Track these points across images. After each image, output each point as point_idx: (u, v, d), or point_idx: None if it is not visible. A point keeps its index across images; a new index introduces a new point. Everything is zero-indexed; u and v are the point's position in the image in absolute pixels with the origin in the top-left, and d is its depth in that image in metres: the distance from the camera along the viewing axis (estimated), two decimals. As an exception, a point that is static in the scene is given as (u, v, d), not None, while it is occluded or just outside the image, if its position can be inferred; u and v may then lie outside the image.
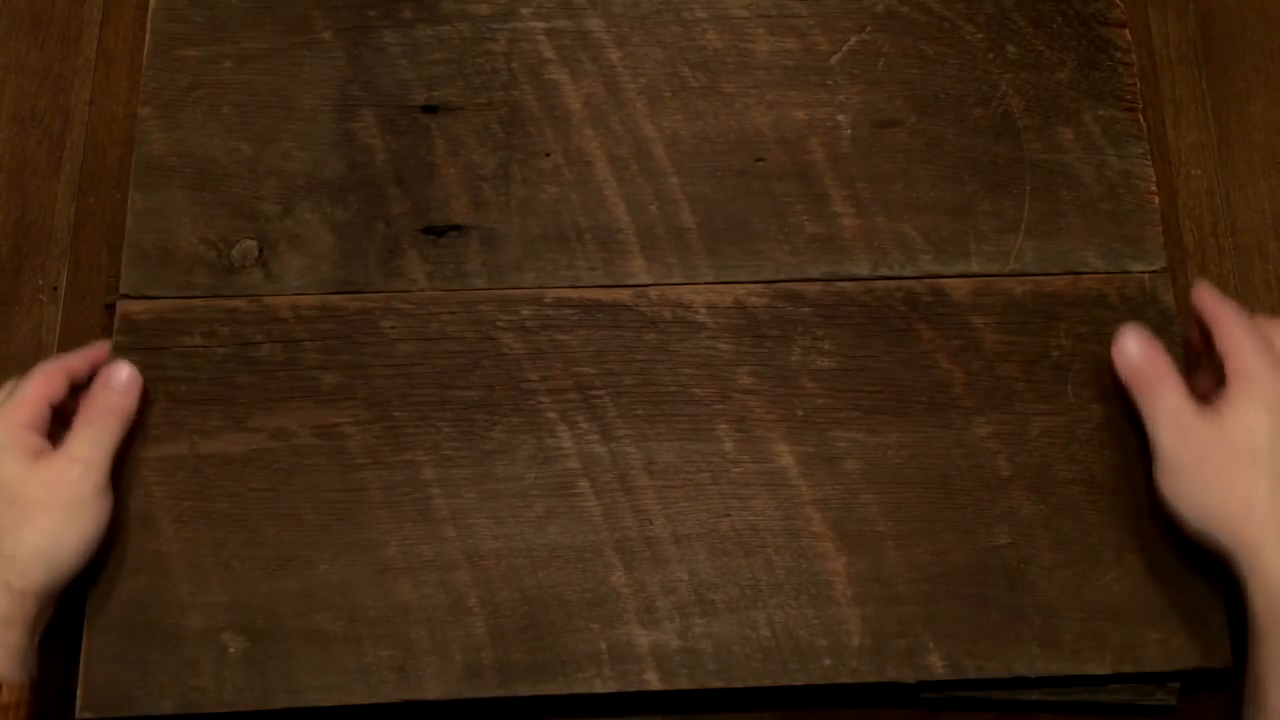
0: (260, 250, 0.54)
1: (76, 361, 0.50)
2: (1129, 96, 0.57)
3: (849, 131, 0.56)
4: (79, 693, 0.47)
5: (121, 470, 0.49)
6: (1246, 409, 0.46)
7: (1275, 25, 0.59)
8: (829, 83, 0.56)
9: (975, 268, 0.54)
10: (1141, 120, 0.56)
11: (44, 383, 0.48)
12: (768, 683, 0.49)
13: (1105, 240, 0.55)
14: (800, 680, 0.49)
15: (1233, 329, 0.48)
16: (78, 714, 0.47)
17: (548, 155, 0.55)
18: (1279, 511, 0.44)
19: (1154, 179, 0.56)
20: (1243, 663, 0.46)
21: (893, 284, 0.54)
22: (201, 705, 0.47)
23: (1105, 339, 0.53)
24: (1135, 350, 0.49)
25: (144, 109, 0.55)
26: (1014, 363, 0.53)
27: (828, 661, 0.49)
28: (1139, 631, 0.49)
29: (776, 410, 0.52)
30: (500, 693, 0.48)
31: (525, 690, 0.48)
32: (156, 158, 0.55)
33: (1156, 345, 0.49)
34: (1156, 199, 0.56)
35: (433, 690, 0.48)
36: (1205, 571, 0.50)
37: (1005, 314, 0.54)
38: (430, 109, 0.56)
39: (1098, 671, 0.49)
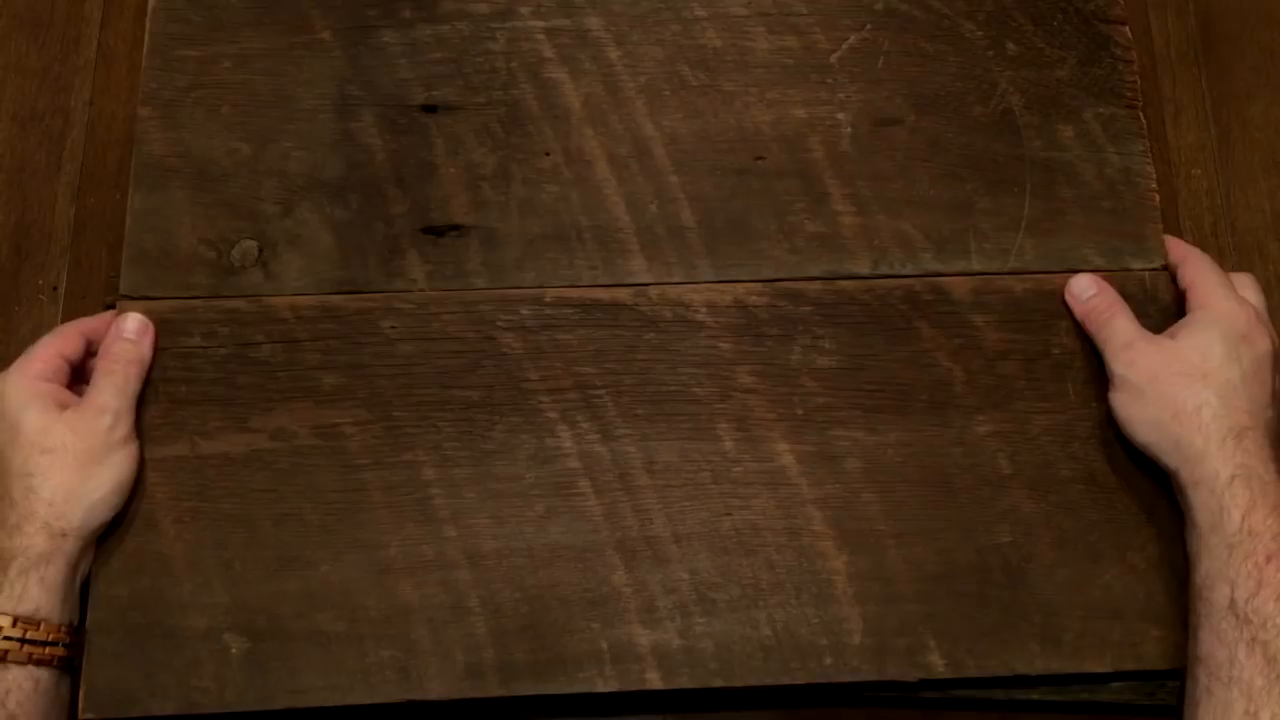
0: (260, 250, 0.53)
1: (90, 323, 0.51)
2: (1129, 94, 0.57)
3: (849, 130, 0.56)
4: (81, 693, 0.47)
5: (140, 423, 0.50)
6: (1201, 334, 0.48)
7: (1275, 25, 0.59)
8: (829, 81, 0.56)
9: (976, 265, 0.54)
10: (1142, 117, 0.56)
11: (56, 338, 0.49)
12: (769, 682, 0.49)
13: (1105, 238, 0.55)
14: (801, 679, 0.49)
15: (1199, 267, 0.51)
16: (80, 715, 0.47)
17: (547, 154, 0.55)
18: (1222, 425, 0.46)
19: (1154, 176, 0.56)
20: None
21: (893, 282, 0.54)
22: (203, 706, 0.47)
23: None
24: (1087, 288, 0.52)
25: (143, 109, 0.55)
26: (1015, 361, 0.53)
27: (829, 660, 0.49)
28: (1140, 629, 0.49)
29: (777, 409, 0.52)
30: (502, 692, 0.48)
31: (527, 690, 0.48)
32: (156, 158, 0.54)
33: (1107, 285, 0.52)
34: (1157, 196, 0.55)
35: (435, 690, 0.48)
36: None
37: (1006, 312, 0.53)
38: (430, 109, 0.56)
39: (1098, 670, 0.49)
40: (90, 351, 0.51)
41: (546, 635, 0.49)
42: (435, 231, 0.54)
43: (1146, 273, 0.54)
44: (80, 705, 0.47)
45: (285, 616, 0.48)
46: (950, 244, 0.55)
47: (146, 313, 0.52)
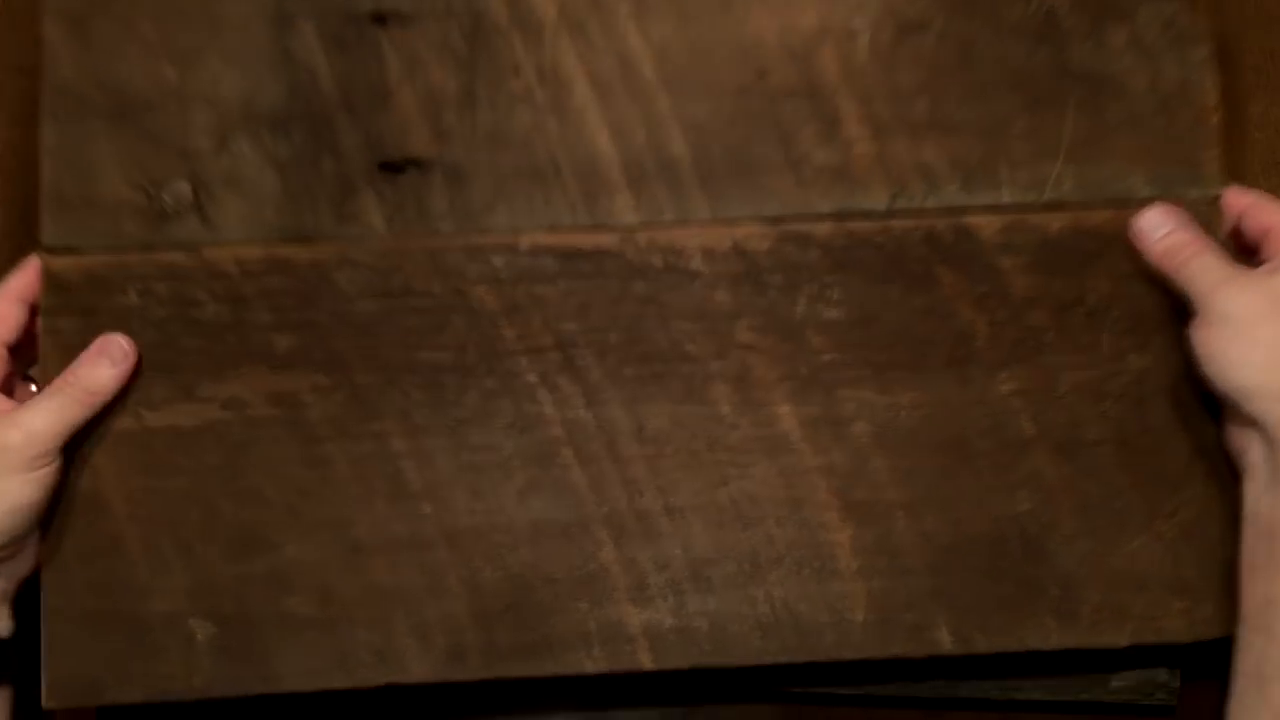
0: (195, 193, 0.57)
1: (17, 283, 0.52)
2: (1193, -14, 0.59)
3: (867, 38, 0.58)
4: (43, 682, 0.51)
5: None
6: None
7: (1275, 25, 0.59)
8: None
9: (1007, 199, 0.58)
10: (1204, 19, 0.60)
11: None
12: (766, 660, 0.55)
13: (1156, 163, 0.58)
14: (801, 658, 0.55)
15: (1276, 208, 0.52)
16: (44, 703, 0.54)
17: (517, 74, 0.58)
18: None
19: (1215, 90, 0.59)
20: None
21: (911, 222, 0.58)
22: (172, 693, 0.52)
23: (1148, 281, 0.55)
24: (1160, 224, 0.52)
25: (49, 27, 0.57)
26: (1044, 309, 0.57)
27: (830, 638, 0.55)
28: (1163, 601, 0.55)
29: (779, 368, 0.57)
30: (485, 674, 0.54)
31: (512, 671, 0.54)
32: (69, 85, 0.57)
33: (1182, 215, 0.52)
34: (1217, 114, 0.59)
35: (416, 672, 0.53)
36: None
37: (1037, 253, 0.57)
38: (379, 19, 0.58)
39: (1115, 643, 0.55)
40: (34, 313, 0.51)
41: (531, 616, 0.53)
42: (392, 168, 0.58)
43: (1202, 203, 0.59)
44: (43, 694, 0.53)
45: (252, 600, 0.51)
46: (979, 173, 0.58)
47: (75, 269, 0.56)
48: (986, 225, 0.53)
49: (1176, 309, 0.53)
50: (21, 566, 0.50)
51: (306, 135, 0.52)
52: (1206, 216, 0.53)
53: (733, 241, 0.52)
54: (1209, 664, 0.51)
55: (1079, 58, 0.54)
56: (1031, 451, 0.52)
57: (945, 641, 0.51)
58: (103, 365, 0.51)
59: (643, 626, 0.50)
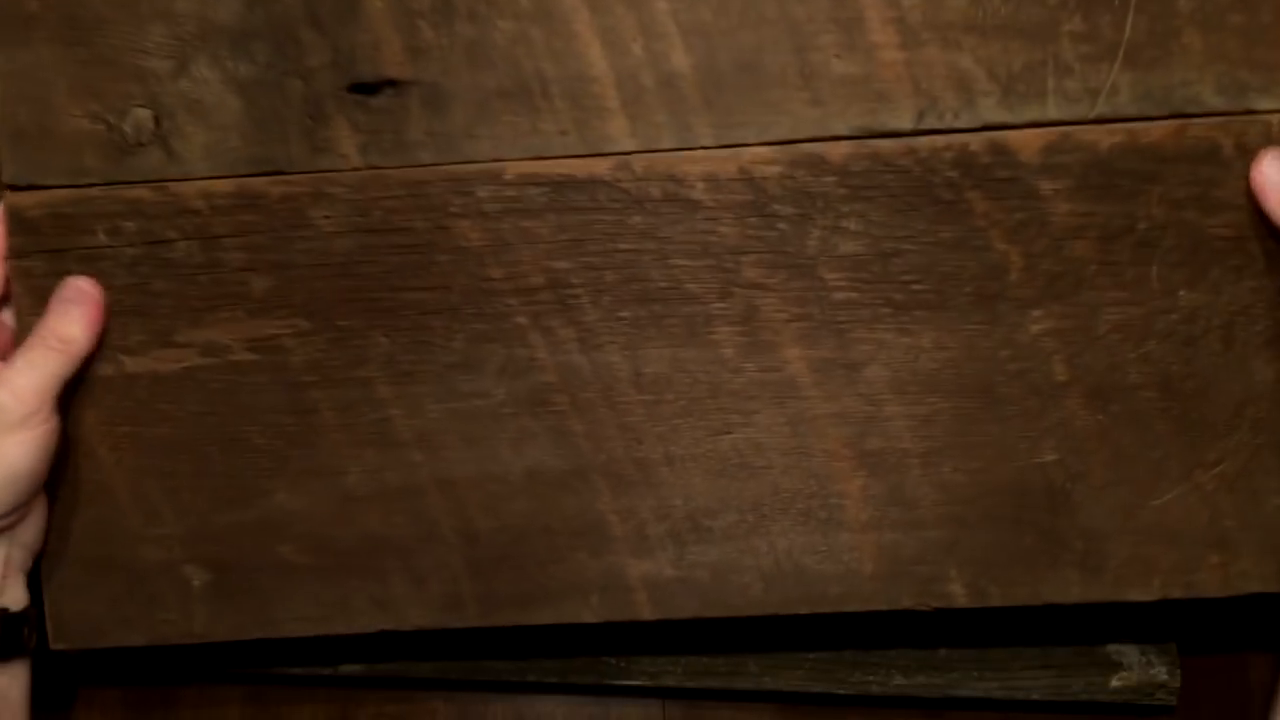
0: (156, 121, 0.50)
1: None
2: None
3: None
4: (49, 625, 0.51)
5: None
6: None
7: None
8: None
9: (1052, 113, 0.48)
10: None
11: None
12: (769, 612, 0.50)
13: (1228, 67, 0.48)
14: (804, 609, 0.50)
15: None
16: (51, 645, 0.52)
17: None
18: None
19: None
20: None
21: (942, 140, 0.49)
22: (172, 637, 0.50)
23: (1208, 206, 0.46)
24: None
25: None
26: (1088, 240, 0.49)
27: (835, 590, 0.50)
28: (1196, 555, 0.49)
29: (789, 308, 0.49)
30: (482, 622, 0.50)
31: (509, 620, 0.50)
32: (13, 3, 0.50)
33: None
34: (1308, 5, 0.48)
35: (413, 619, 0.50)
36: None
37: (1085, 176, 0.48)
38: None
39: (1141, 598, 0.49)
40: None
41: (528, 566, 0.49)
42: (365, 89, 0.49)
43: (1276, 116, 0.48)
44: (50, 636, 0.51)
45: (246, 549, 0.47)
46: (1021, 83, 0.48)
47: (39, 205, 0.49)
48: (1028, 144, 0.44)
49: (1238, 239, 0.46)
50: (30, 534, 0.47)
51: (270, 53, 0.45)
52: (1278, 131, 0.43)
53: (739, 166, 0.44)
54: (1208, 662, 0.48)
55: (1148, -60, 0.43)
56: (1063, 397, 0.45)
57: (958, 595, 0.46)
58: (70, 312, 0.47)
59: (642, 577, 0.46)
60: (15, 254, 0.47)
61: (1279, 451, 0.46)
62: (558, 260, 0.46)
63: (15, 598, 0.47)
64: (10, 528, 0.46)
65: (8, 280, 0.47)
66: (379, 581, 0.47)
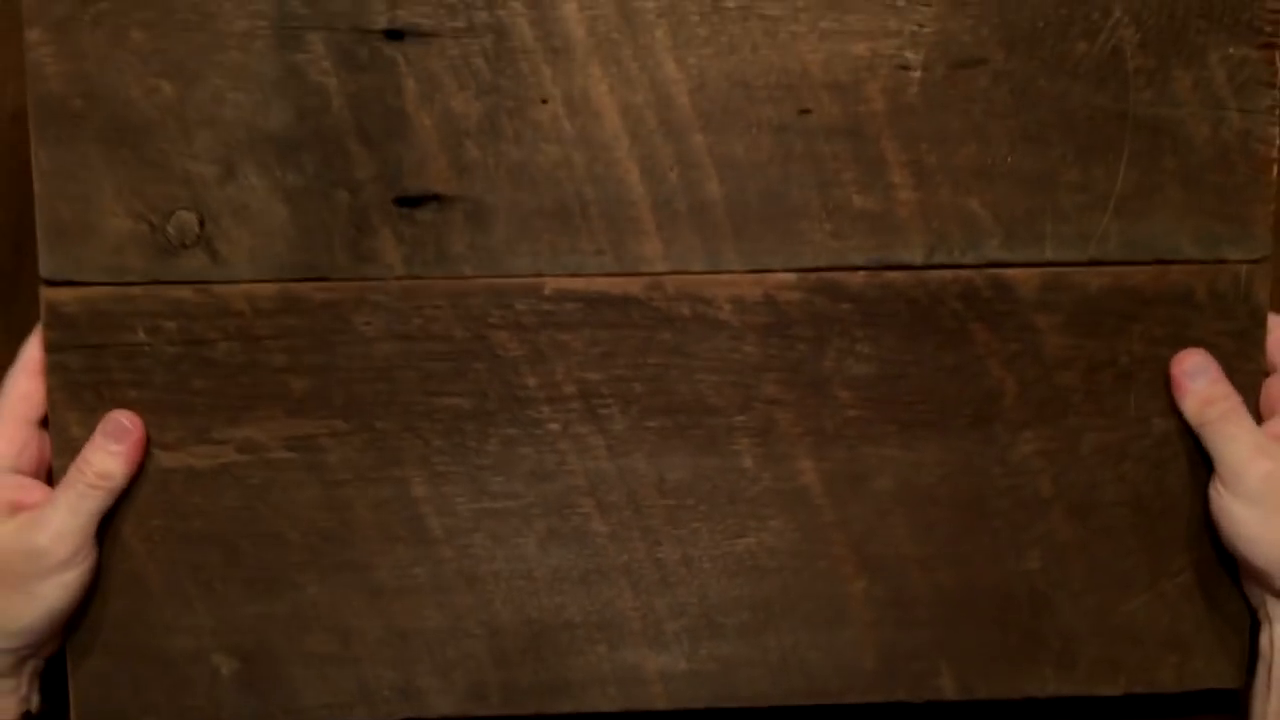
0: (201, 224, 0.43)
1: (35, 354, 0.42)
2: (1269, 28, 0.45)
3: (919, 74, 0.44)
4: (73, 712, 0.45)
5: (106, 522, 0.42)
6: None
7: None
8: (899, 4, 0.44)
9: (1049, 254, 0.45)
10: (1277, 62, 0.45)
11: (15, 402, 0.41)
12: (775, 703, 0.46)
13: (1204, 221, 0.45)
14: (808, 701, 0.45)
15: None
16: (74, 729, 0.45)
17: (544, 102, 0.44)
18: None
19: (1276, 141, 0.45)
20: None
21: (949, 274, 0.45)
22: None
23: (1182, 343, 0.44)
24: (1207, 371, 0.43)
25: (31, 31, 0.42)
26: (1075, 370, 0.46)
27: (836, 683, 0.46)
28: (1157, 655, 0.46)
29: (804, 423, 0.45)
30: (506, 711, 0.45)
31: (531, 708, 0.45)
32: (57, 99, 0.42)
33: (1218, 369, 0.44)
34: (1275, 168, 0.46)
35: (437, 708, 0.46)
36: (1240, 597, 0.47)
37: (1075, 313, 0.45)
38: (395, 34, 0.43)
39: (1110, 693, 0.46)
40: None
41: (550, 657, 0.44)
42: (410, 203, 0.44)
43: (1243, 265, 0.46)
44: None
45: (274, 638, 0.43)
46: (1022, 226, 0.45)
47: (77, 301, 0.43)
48: (1026, 281, 0.41)
49: None
50: (52, 646, 0.43)
51: (318, 164, 0.39)
52: (1245, 280, 0.41)
53: (764, 291, 0.40)
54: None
55: (1140, 102, 0.40)
56: (1048, 511, 0.42)
57: (948, 688, 0.42)
58: (110, 447, 0.41)
59: (658, 670, 0.42)
60: (51, 349, 0.43)
61: (1233, 564, 0.43)
62: (590, 372, 0.43)
63: (35, 703, 0.42)
64: (39, 652, 0.42)
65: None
66: (404, 671, 0.43)
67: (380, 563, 0.44)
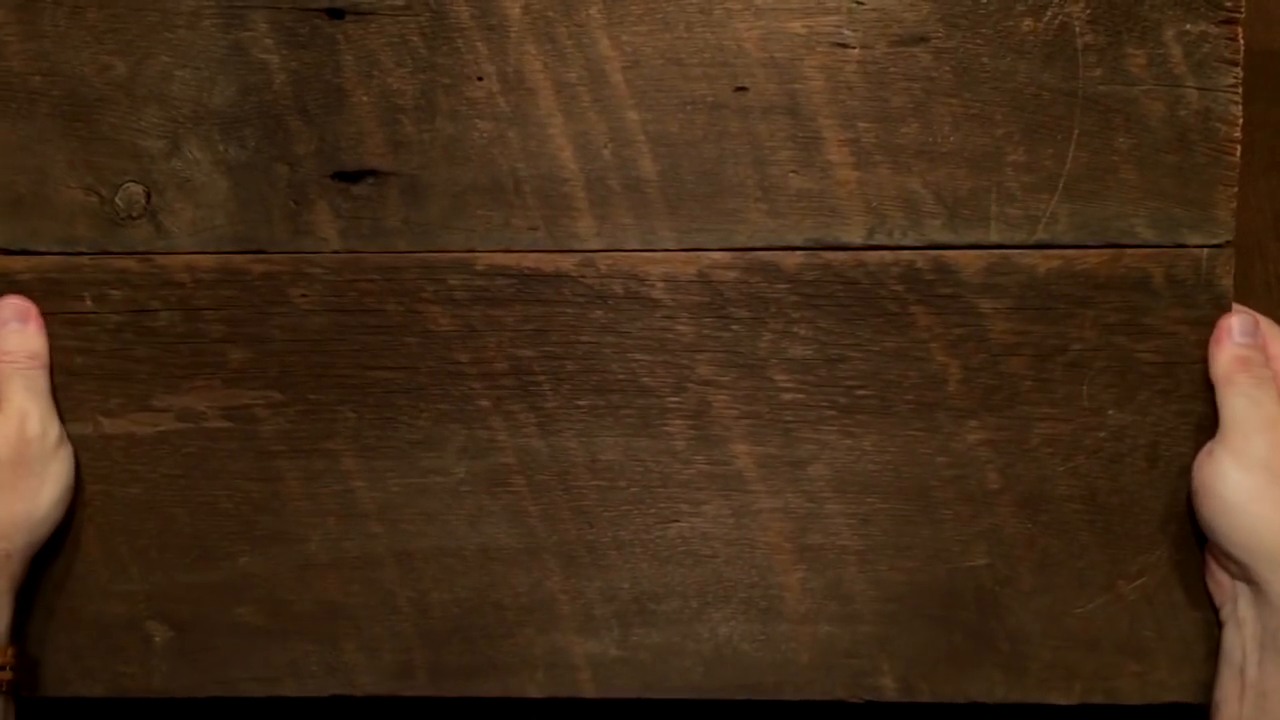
0: (148, 196, 0.44)
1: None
2: (1228, 3, 0.42)
3: (857, 51, 0.43)
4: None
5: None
6: None
7: (1275, 25, 0.49)
8: None
9: (994, 236, 0.43)
10: (1239, 36, 0.42)
11: None
12: (707, 696, 0.44)
13: (1162, 204, 0.43)
14: (741, 695, 0.44)
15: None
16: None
17: (479, 80, 0.43)
18: None
19: (1239, 121, 0.43)
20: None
21: (890, 256, 0.43)
22: (131, 690, 0.44)
23: (1138, 332, 0.43)
24: (1249, 341, 0.40)
25: None
26: (1023, 357, 0.43)
27: (771, 678, 0.44)
28: (1116, 663, 0.44)
29: (738, 405, 0.44)
30: (431, 692, 0.44)
31: (457, 691, 0.44)
32: (18, 77, 0.44)
33: (1267, 345, 0.40)
34: (1238, 149, 0.43)
35: (363, 686, 0.44)
36: (1206, 603, 0.43)
37: (1022, 297, 0.43)
38: (336, 13, 0.43)
39: (1063, 702, 0.44)
40: None
41: (478, 640, 0.43)
42: (347, 178, 0.44)
43: (1204, 250, 0.43)
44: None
45: (207, 607, 0.43)
46: (966, 207, 0.43)
47: (30, 270, 0.44)
48: (970, 264, 0.38)
49: (1167, 364, 0.42)
50: (26, 567, 0.43)
51: (260, 139, 0.39)
52: (1207, 266, 0.38)
53: (698, 269, 0.38)
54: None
55: (1090, 80, 0.38)
56: (995, 504, 0.39)
57: (888, 688, 0.39)
58: (19, 329, 0.42)
59: (586, 656, 0.40)
60: None
61: (1198, 568, 0.40)
62: (521, 348, 0.42)
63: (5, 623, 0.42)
64: (31, 556, 0.42)
65: None
66: (333, 647, 0.41)
67: (311, 535, 0.43)
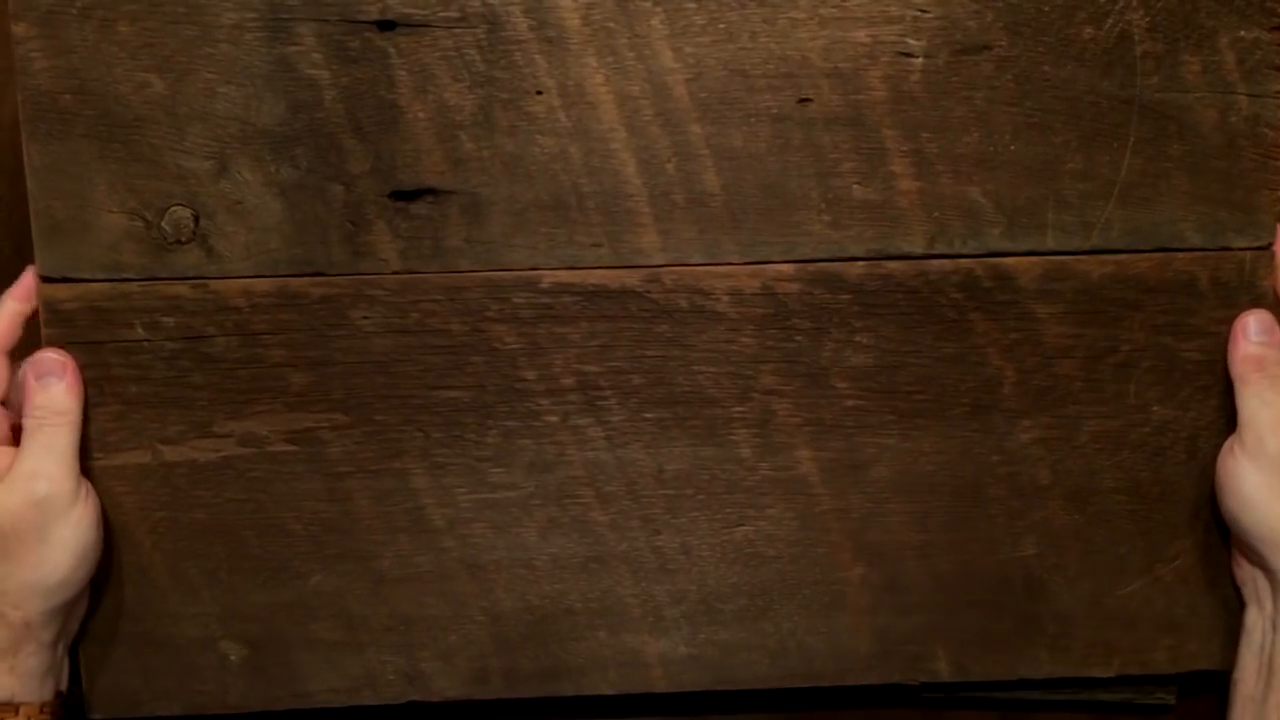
0: (196, 220, 0.42)
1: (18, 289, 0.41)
2: (1282, 9, 0.42)
3: (920, 60, 0.42)
4: (86, 698, 0.44)
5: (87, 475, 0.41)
6: None
7: None
8: None
9: (1051, 243, 0.44)
10: (1289, 46, 0.43)
11: None
12: (772, 685, 0.46)
13: (1210, 208, 0.44)
14: (805, 684, 0.46)
15: None
16: (89, 716, 0.45)
17: (539, 93, 0.42)
18: None
19: None
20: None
21: (949, 264, 0.44)
22: (208, 707, 0.44)
23: (1184, 332, 0.44)
24: (1263, 340, 0.42)
25: (18, 25, 0.41)
26: (1075, 359, 0.45)
27: (833, 667, 0.46)
28: (1152, 638, 0.46)
29: (802, 413, 0.44)
30: (508, 694, 0.45)
31: (532, 691, 0.45)
32: (46, 95, 0.41)
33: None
34: (1283, 153, 0.44)
35: (441, 690, 0.46)
36: (1232, 582, 0.46)
37: (1076, 302, 0.44)
38: (386, 25, 0.41)
39: (1103, 675, 0.46)
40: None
41: (551, 643, 0.44)
42: (405, 196, 0.43)
43: (1248, 253, 0.44)
44: (88, 707, 0.45)
45: (280, 625, 0.43)
46: (1024, 216, 0.44)
47: (74, 298, 0.43)
48: (1027, 270, 0.39)
49: (1208, 362, 0.43)
50: (78, 619, 0.43)
51: (312, 158, 0.38)
52: (1250, 267, 0.40)
53: (762, 283, 0.39)
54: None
55: (1147, 88, 0.39)
56: (1045, 499, 0.41)
57: (943, 671, 0.43)
58: (56, 386, 0.41)
59: (658, 654, 0.41)
60: (51, 343, 0.42)
61: (1226, 549, 0.42)
62: (588, 364, 0.42)
63: (65, 681, 0.42)
64: (72, 608, 0.41)
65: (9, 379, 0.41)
66: (408, 656, 0.43)
67: (383, 552, 0.43)
